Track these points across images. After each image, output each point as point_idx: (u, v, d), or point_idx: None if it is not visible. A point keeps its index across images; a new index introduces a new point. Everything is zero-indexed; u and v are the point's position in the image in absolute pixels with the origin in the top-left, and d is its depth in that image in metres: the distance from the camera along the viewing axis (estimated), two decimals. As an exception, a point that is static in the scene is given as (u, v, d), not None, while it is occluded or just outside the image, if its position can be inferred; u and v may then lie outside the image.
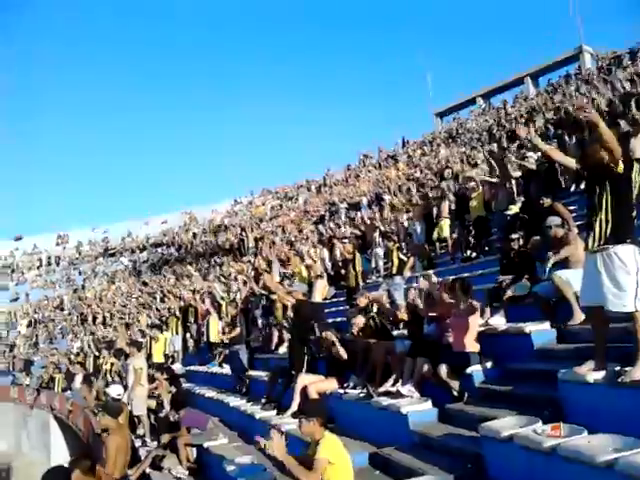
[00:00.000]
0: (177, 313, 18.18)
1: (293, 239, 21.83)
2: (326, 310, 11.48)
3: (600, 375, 4.37)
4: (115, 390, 9.19)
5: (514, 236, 7.94)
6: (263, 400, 8.94)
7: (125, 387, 11.46)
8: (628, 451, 3.45)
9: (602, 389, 4.33)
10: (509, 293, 7.09)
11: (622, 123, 9.84)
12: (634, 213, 4.45)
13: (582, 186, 8.89)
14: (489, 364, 6.12)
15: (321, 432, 4.88)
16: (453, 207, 13.10)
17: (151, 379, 11.59)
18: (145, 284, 32.71)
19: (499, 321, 6.72)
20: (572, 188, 11.13)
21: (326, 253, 15.68)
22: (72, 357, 23.41)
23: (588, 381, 4.41)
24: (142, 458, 8.77)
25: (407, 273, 11.17)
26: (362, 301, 8.37)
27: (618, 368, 4.27)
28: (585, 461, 3.56)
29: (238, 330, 12.01)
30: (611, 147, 4.27)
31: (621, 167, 4.30)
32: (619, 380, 4.15)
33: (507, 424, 4.53)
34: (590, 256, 4.45)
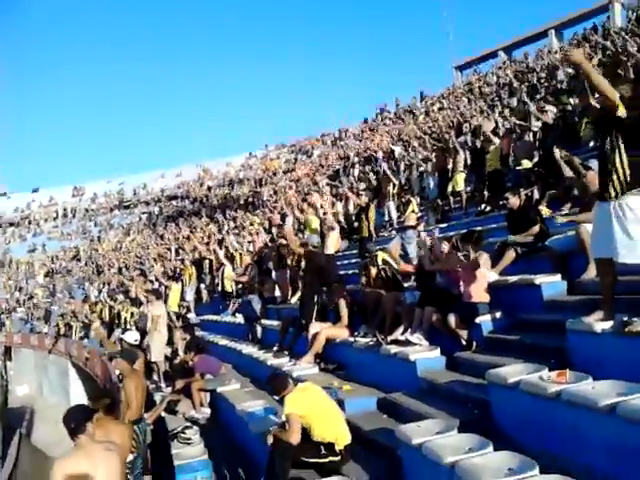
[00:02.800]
0: (190, 265, 18.37)
1: (307, 192, 21.78)
2: (338, 262, 11.55)
3: (608, 325, 4.39)
4: (132, 336, 9.39)
5: (508, 195, 7.82)
6: (275, 348, 9.12)
7: (142, 334, 11.71)
8: (629, 396, 3.49)
9: (609, 338, 4.35)
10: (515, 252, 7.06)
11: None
12: None
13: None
14: (498, 314, 6.15)
15: (287, 392, 5.26)
16: (469, 161, 12.99)
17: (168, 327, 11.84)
18: (161, 237, 32.98)
19: (492, 275, 6.72)
20: (591, 143, 10.94)
21: (340, 206, 15.67)
22: (89, 306, 23.90)
23: (595, 330, 4.43)
24: (157, 403, 9.04)
25: (420, 226, 11.16)
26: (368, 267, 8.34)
27: (626, 318, 4.26)
28: (588, 405, 3.61)
29: (250, 276, 12.15)
30: (602, 89, 4.20)
31: (622, 110, 4.21)
32: (626, 330, 4.17)
33: (514, 371, 4.58)
34: (602, 207, 4.40)
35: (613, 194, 4.27)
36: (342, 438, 5.06)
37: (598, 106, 4.85)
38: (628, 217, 4.16)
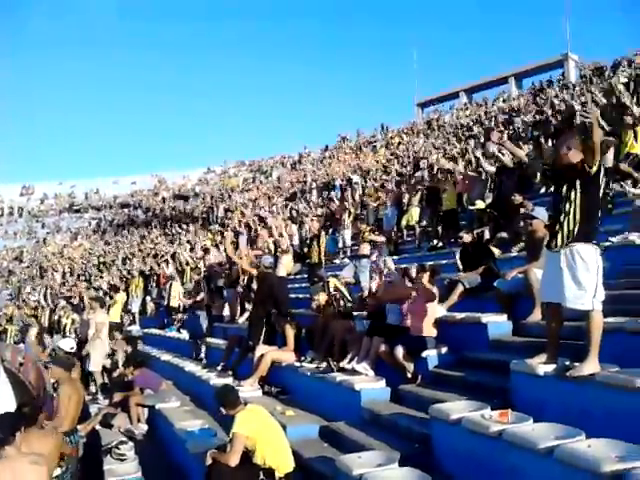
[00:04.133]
0: (139, 275, 18.03)
1: (263, 213, 21.76)
2: (289, 285, 11.52)
3: (550, 368, 4.50)
4: (67, 344, 9.09)
5: (462, 234, 8.06)
6: (219, 367, 8.97)
7: (81, 342, 11.37)
8: (567, 439, 3.58)
9: (551, 381, 4.46)
10: (463, 286, 7.21)
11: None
12: (598, 214, 4.57)
13: (552, 189, 9.06)
14: (444, 350, 6.25)
15: (235, 411, 5.14)
16: (425, 196, 13.25)
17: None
18: (108, 244, 32.29)
19: (440, 310, 6.84)
20: (542, 190, 11.32)
21: (295, 229, 15.71)
22: (27, 310, 23.08)
23: (538, 373, 4.54)
24: (93, 415, 8.74)
25: (373, 256, 11.28)
26: (320, 297, 8.28)
27: (568, 363, 4.39)
28: (527, 447, 3.68)
29: (201, 296, 11.99)
30: (596, 148, 4.37)
31: (595, 169, 4.39)
32: (567, 374, 4.28)
33: (457, 407, 4.64)
34: (553, 254, 4.55)
35: (562, 242, 4.42)
36: (284, 465, 4.99)
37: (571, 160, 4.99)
38: (578, 264, 4.30)
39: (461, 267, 7.92)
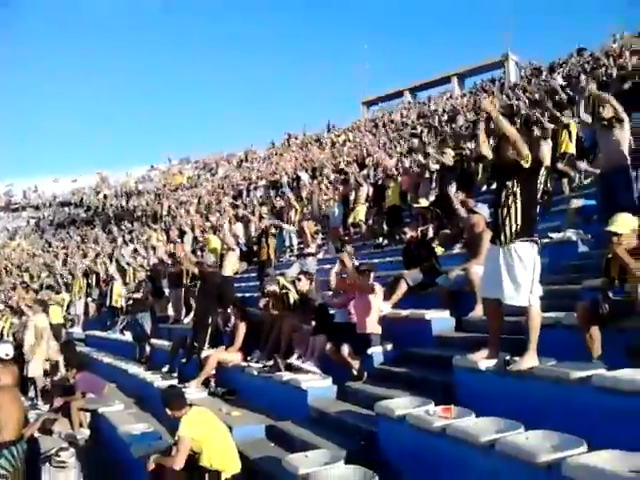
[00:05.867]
0: (80, 276, 17.53)
1: (208, 211, 21.52)
2: (236, 284, 11.43)
3: (492, 363, 4.60)
4: (4, 349, 8.73)
5: (405, 229, 8.18)
6: (164, 369, 8.82)
7: (19, 346, 10.95)
8: (508, 432, 3.67)
9: (492, 376, 4.56)
10: (406, 283, 7.31)
11: (536, 129, 10.34)
12: (537, 211, 4.69)
13: (493, 186, 9.28)
14: (389, 347, 6.33)
15: (181, 413, 5.06)
16: (371, 194, 13.36)
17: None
18: (49, 244, 31.25)
19: (385, 307, 6.92)
20: (484, 187, 11.59)
21: (241, 228, 15.56)
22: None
23: (480, 368, 4.63)
24: (31, 421, 8.42)
25: (320, 254, 11.32)
26: (271, 287, 8.26)
27: (508, 357, 4.49)
28: (469, 441, 3.75)
29: (140, 294, 11.76)
30: (513, 139, 4.47)
31: (528, 164, 4.50)
32: (507, 368, 4.39)
33: (401, 404, 4.70)
34: (493, 250, 4.66)
35: (503, 240, 4.52)
36: (231, 467, 4.92)
37: (491, 156, 5.13)
38: (515, 262, 4.41)
39: (404, 264, 8.00)
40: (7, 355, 8.65)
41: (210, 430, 5.02)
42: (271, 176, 25.12)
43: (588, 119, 8.21)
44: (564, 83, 16.52)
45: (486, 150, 5.28)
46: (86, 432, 8.18)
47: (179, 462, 4.87)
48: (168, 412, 5.19)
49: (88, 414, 8.45)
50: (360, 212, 13.20)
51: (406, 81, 41.51)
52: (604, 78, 13.54)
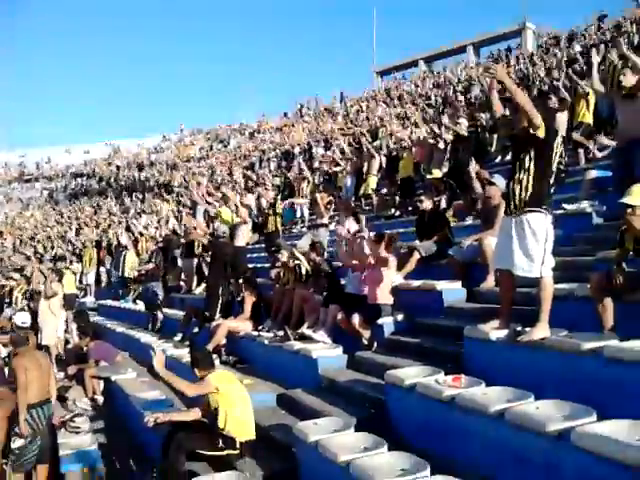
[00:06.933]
0: (92, 246, 17.64)
1: (221, 182, 21.48)
2: (248, 255, 11.45)
3: (502, 333, 4.59)
4: (20, 318, 8.84)
5: (422, 198, 8.09)
6: (177, 338, 8.89)
7: (34, 314, 11.08)
8: (517, 402, 3.67)
9: (502, 346, 4.55)
10: (419, 254, 7.27)
11: (553, 98, 10.12)
12: (552, 182, 4.61)
13: (508, 157, 9.15)
14: (400, 317, 6.32)
15: (207, 372, 5.13)
16: (384, 165, 13.25)
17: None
18: (62, 215, 31.44)
19: (396, 278, 6.90)
20: (498, 158, 11.45)
21: (252, 199, 15.53)
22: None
23: (491, 338, 4.62)
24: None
25: (331, 225, 11.28)
26: (284, 256, 8.28)
27: (519, 328, 4.48)
28: (479, 410, 3.75)
29: (152, 265, 11.83)
30: (527, 108, 4.37)
31: (542, 131, 4.41)
32: (518, 339, 4.37)
33: (411, 373, 4.71)
34: (506, 221, 4.61)
35: (513, 209, 4.47)
36: (247, 433, 4.95)
37: (503, 112, 5.01)
38: (527, 233, 4.35)
39: (417, 235, 7.95)
40: (24, 323, 8.78)
41: (232, 391, 5.04)
42: (283, 147, 24.97)
43: (601, 87, 7.94)
44: (579, 49, 16.20)
45: (500, 112, 5.11)
46: (100, 399, 8.33)
47: (191, 391, 5.07)
48: (196, 372, 5.22)
49: (101, 382, 8.59)
50: (371, 183, 13.13)
51: (420, 50, 40.84)
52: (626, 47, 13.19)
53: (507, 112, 5.13)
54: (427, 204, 7.89)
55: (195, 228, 10.47)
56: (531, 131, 4.40)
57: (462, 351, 5.03)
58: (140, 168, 38.05)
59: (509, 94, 4.55)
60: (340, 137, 18.02)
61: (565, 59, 14.86)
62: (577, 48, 17.15)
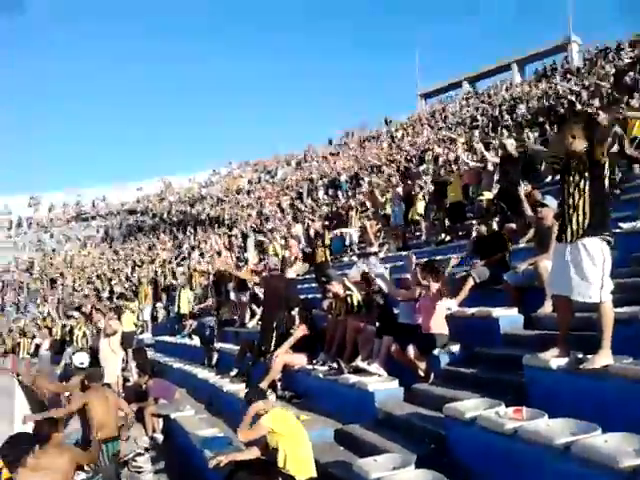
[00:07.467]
0: (147, 283, 18.09)
1: (269, 213, 21.76)
2: (299, 286, 11.51)
3: (563, 361, 4.45)
4: (79, 359, 9.09)
5: (474, 222, 7.99)
6: (232, 373, 8.96)
7: (95, 353, 11.37)
8: (583, 434, 3.53)
9: (564, 375, 4.41)
10: (473, 280, 7.16)
11: (602, 114, 9.92)
12: (609, 207, 4.50)
13: (558, 177, 8.96)
14: (456, 347, 6.20)
15: (268, 408, 5.16)
16: (431, 189, 13.18)
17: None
18: (116, 252, 32.38)
19: (451, 304, 6.80)
20: (549, 178, 11.22)
21: (301, 229, 15.67)
22: (39, 322, 23.17)
23: (551, 367, 4.48)
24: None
25: (381, 254, 11.25)
26: (335, 287, 8.20)
27: (580, 355, 4.34)
28: (544, 443, 3.63)
29: (209, 301, 11.99)
30: (602, 144, 4.31)
31: (604, 159, 4.32)
32: (580, 367, 4.22)
33: (471, 406, 4.60)
34: (560, 246, 4.49)
35: (570, 236, 4.36)
36: (307, 472, 4.89)
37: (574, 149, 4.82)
38: (583, 258, 4.23)
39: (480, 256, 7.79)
40: (82, 364, 9.01)
41: (289, 429, 5.01)
42: (329, 175, 25.14)
43: None
44: (629, 61, 15.82)
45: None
46: (160, 437, 8.43)
47: (246, 436, 5.17)
48: (250, 410, 5.22)
49: (161, 419, 8.70)
50: (419, 207, 13.06)
51: (463, 71, 40.67)
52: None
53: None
54: (483, 228, 7.80)
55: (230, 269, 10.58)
56: (590, 156, 4.31)
57: (522, 381, 4.89)
58: (192, 203, 38.95)
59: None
60: (385, 165, 18.03)
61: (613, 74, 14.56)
62: (626, 60, 16.78)
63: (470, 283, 7.18)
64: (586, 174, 4.34)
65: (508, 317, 6.18)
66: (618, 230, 6.58)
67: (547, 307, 5.91)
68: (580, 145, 4.39)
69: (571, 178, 4.42)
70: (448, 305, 6.68)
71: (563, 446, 3.51)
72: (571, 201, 4.37)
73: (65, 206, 51.73)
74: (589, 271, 4.21)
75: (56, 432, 5.88)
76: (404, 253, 11.54)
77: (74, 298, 23.24)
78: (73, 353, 11.64)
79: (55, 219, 50.10)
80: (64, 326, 18.88)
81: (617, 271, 4.85)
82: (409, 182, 14.00)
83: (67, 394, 9.03)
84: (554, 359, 4.51)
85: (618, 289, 4.53)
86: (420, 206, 13.06)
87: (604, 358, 4.13)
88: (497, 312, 6.21)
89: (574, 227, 4.32)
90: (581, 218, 4.30)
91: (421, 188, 13.43)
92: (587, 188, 4.31)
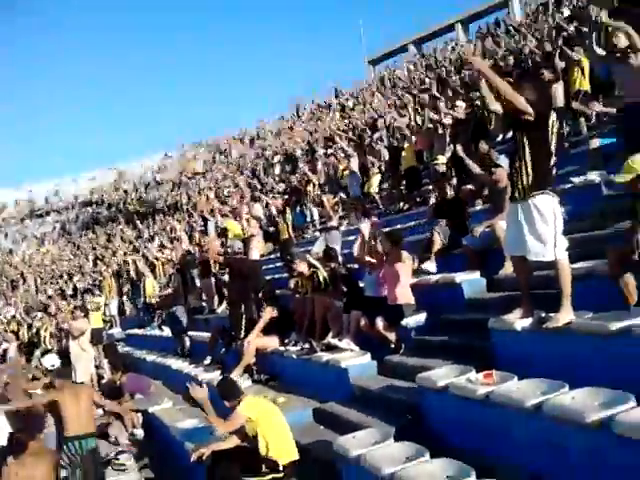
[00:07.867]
0: (110, 276, 17.79)
1: (227, 194, 21.52)
2: (264, 267, 11.47)
3: (527, 322, 4.54)
4: (49, 361, 8.94)
5: (430, 189, 8.06)
6: (206, 361, 8.94)
7: (65, 353, 11.19)
8: (553, 393, 3.63)
9: (529, 335, 4.51)
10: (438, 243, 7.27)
11: (546, 72, 9.99)
12: (552, 162, 4.54)
13: (509, 134, 9.05)
14: (423, 315, 6.27)
15: (238, 400, 5.16)
16: (386, 158, 13.17)
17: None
18: (77, 247, 31.71)
19: (430, 266, 6.90)
20: (500, 137, 11.32)
21: (260, 208, 15.52)
22: (5, 326, 22.61)
23: (516, 328, 4.57)
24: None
25: (343, 226, 11.26)
26: (300, 266, 8.22)
27: (543, 314, 4.42)
28: (515, 406, 3.73)
29: (169, 289, 11.90)
30: (508, 97, 4.33)
31: (532, 115, 4.32)
32: (544, 326, 4.31)
33: (442, 374, 4.68)
34: (512, 206, 4.55)
35: (518, 195, 4.42)
36: (288, 454, 4.97)
37: (501, 110, 4.94)
38: (535, 217, 4.28)
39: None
40: (53, 366, 8.87)
41: (267, 415, 5.07)
42: (284, 150, 24.91)
43: (601, 52, 7.79)
44: (568, 14, 15.98)
45: (495, 106, 5.06)
46: (140, 432, 8.38)
47: (225, 428, 5.20)
48: (226, 404, 5.27)
49: (140, 414, 8.65)
50: (374, 183, 13.02)
51: (409, 34, 40.48)
52: (616, 4, 12.97)
53: (499, 109, 5.01)
54: (436, 197, 7.90)
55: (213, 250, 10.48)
56: (522, 116, 4.36)
57: (489, 345, 4.99)
58: (147, 189, 38.21)
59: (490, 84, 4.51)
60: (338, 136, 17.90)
61: (554, 27, 14.69)
62: (566, 12, 16.95)
63: (437, 241, 7.27)
64: (525, 132, 4.38)
65: (471, 281, 6.30)
66: (569, 185, 6.70)
67: (508, 268, 5.98)
68: (527, 103, 4.39)
69: (517, 136, 4.47)
70: (427, 268, 6.80)
71: (534, 407, 3.61)
72: (517, 160, 4.43)
73: (17, 203, 50.01)
74: (542, 230, 4.26)
75: (32, 440, 5.78)
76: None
77: (38, 298, 22.70)
78: (42, 355, 11.44)
79: (8, 218, 48.51)
80: (30, 327, 18.50)
81: (571, 226, 4.94)
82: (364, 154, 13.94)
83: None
84: (518, 320, 4.59)
85: (574, 244, 4.61)
86: (375, 181, 13.02)
87: (566, 315, 4.22)
88: (460, 277, 6.31)
89: (519, 186, 4.38)
90: (524, 176, 4.34)
91: (372, 165, 13.36)
92: (529, 147, 4.35)
